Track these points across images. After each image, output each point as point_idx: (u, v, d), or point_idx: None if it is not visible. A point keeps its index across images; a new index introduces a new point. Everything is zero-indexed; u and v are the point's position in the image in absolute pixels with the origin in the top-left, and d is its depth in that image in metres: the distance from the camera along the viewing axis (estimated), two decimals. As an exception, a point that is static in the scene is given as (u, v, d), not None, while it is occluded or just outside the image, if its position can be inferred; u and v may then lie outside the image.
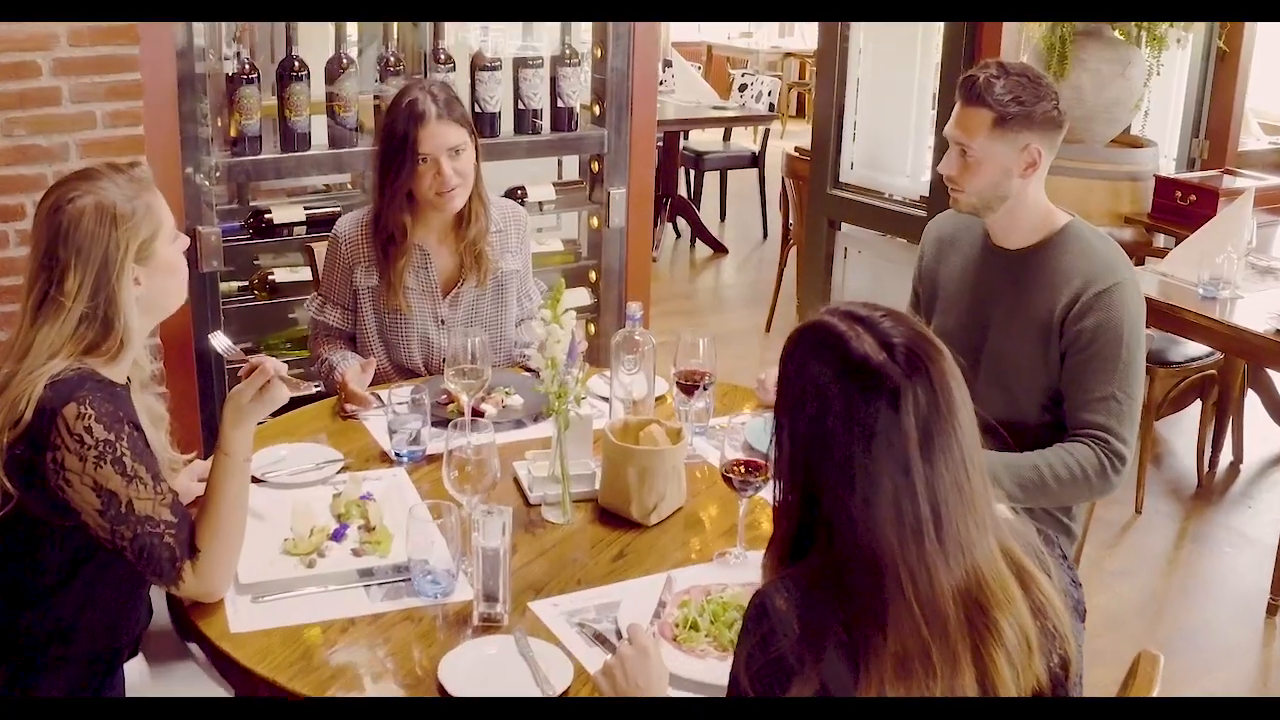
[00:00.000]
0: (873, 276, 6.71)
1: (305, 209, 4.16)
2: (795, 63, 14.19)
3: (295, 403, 2.58)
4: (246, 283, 4.17)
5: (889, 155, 6.65)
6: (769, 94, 9.83)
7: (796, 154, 7.09)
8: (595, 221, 4.73)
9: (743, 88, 10.08)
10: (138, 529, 2.14)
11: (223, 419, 2.28)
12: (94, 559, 2.23)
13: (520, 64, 4.42)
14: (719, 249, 9.17)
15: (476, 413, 3.11)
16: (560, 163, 5.62)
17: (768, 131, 9.78)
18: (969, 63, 5.68)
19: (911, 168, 6.58)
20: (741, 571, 2.44)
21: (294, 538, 2.45)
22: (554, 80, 4.49)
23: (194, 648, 2.24)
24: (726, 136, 10.25)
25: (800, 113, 14.01)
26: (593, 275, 4.77)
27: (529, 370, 3.44)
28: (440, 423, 2.96)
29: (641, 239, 4.74)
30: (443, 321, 3.44)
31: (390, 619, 2.27)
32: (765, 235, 9.60)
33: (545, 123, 4.52)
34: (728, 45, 14.47)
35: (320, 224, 4.13)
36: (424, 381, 3.13)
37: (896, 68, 6.51)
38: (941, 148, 5.94)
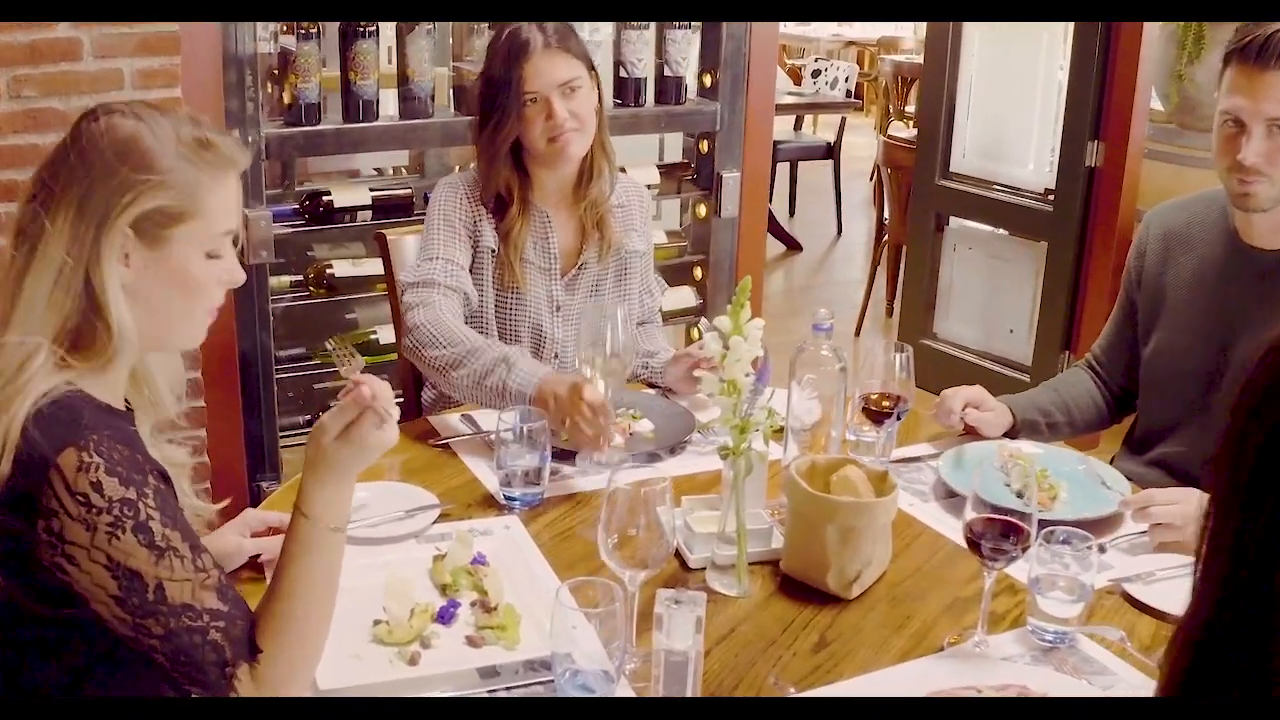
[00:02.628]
0: (985, 276, 6.02)
1: (371, 190, 3.50)
2: (853, 51, 13.49)
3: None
4: (300, 277, 3.51)
5: (1009, 143, 5.96)
6: (845, 80, 9.15)
7: (896, 142, 6.42)
8: (703, 210, 4.06)
9: (816, 74, 9.40)
10: (171, 623, 1.50)
11: (306, 466, 1.62)
12: (105, 665, 1.57)
13: (622, 25, 3.76)
14: (793, 245, 8.50)
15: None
16: (662, 141, 4.96)
17: (844, 121, 9.10)
18: (1104, 45, 5.00)
19: (1035, 158, 5.90)
20: (984, 667, 1.80)
21: (388, 621, 1.79)
22: (660, 45, 3.83)
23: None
24: (797, 126, 9.58)
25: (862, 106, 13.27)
26: (698, 273, 4.10)
27: (654, 388, 2.79)
28: (558, 454, 2.31)
29: (755, 231, 4.08)
30: (558, 308, 2.78)
31: (529, 747, 1.61)
32: (840, 232, 8.94)
33: (649, 95, 3.87)
34: (784, 34, 13.77)
35: (389, 210, 3.47)
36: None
37: (1020, 48, 5.83)
38: (1074, 135, 5.33)
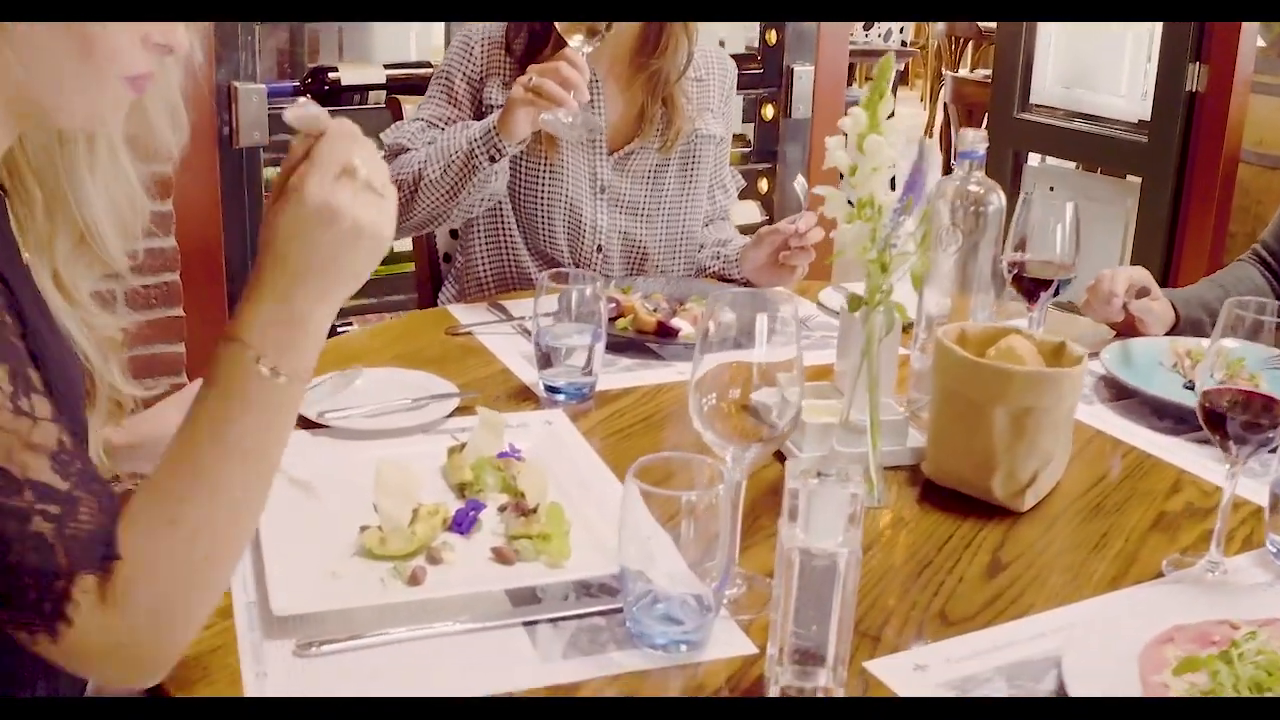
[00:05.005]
0: (1045, 246, 5.43)
1: (386, 68, 2.94)
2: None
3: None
4: (302, 169, 2.96)
5: (1098, 69, 5.38)
6: (899, 30, 8.58)
7: (967, 77, 5.84)
8: (770, 111, 3.49)
9: (867, 26, 8.83)
10: None
11: (255, 263, 1.04)
12: None
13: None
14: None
15: (666, 330, 1.90)
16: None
17: (896, 80, 8.52)
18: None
19: (1128, 84, 5.31)
20: (1229, 596, 1.28)
21: (380, 527, 1.23)
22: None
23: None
24: (849, 82, 9.00)
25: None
26: (764, 185, 3.53)
27: (729, 282, 2.25)
28: (617, 345, 1.78)
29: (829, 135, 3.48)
30: (603, 190, 2.23)
31: (584, 695, 1.05)
32: (892, 186, 8.32)
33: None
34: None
35: (407, 92, 2.91)
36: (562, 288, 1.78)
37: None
38: (1173, 57, 4.75)
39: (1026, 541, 1.40)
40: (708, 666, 1.12)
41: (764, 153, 3.56)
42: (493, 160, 1.96)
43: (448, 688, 1.06)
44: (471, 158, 1.97)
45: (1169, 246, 4.84)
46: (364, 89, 2.94)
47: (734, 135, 3.51)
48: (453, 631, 1.13)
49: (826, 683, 1.05)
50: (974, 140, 1.65)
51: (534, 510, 1.27)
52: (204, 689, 1.04)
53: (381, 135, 2.17)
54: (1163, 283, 4.67)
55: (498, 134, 1.94)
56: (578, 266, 2.22)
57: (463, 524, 1.29)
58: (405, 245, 2.97)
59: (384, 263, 2.93)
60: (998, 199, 1.69)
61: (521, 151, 2.14)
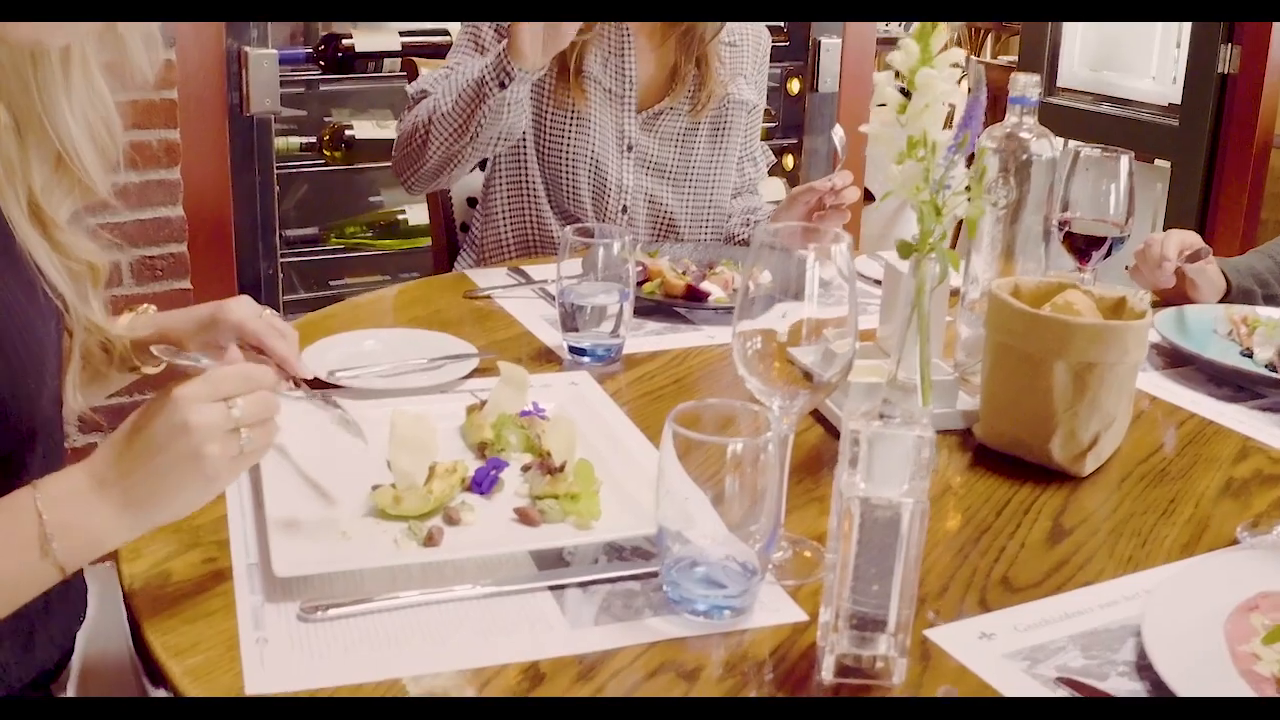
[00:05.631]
0: (1097, 204, 5.32)
1: (401, 34, 2.85)
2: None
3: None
4: (313, 139, 2.86)
5: (1127, 50, 5.27)
6: (923, 20, 8.44)
7: (991, 63, 5.73)
8: (796, 85, 3.39)
9: (889, 16, 8.70)
10: None
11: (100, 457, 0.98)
12: None
13: None
14: (866, 196, 7.78)
15: (696, 294, 1.80)
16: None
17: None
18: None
19: (1158, 66, 5.19)
20: None
21: (394, 485, 1.13)
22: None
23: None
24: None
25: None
26: (789, 161, 3.42)
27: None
28: (638, 311, 1.69)
29: (860, 111, 3.40)
30: (630, 148, 2.13)
31: (616, 667, 0.96)
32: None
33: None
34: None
35: (424, 58, 2.81)
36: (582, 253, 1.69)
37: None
38: (1204, 38, 4.63)
39: (1089, 507, 1.30)
40: (753, 634, 1.02)
41: (789, 128, 3.45)
42: (502, 86, 1.86)
43: (468, 655, 0.96)
44: (482, 85, 1.87)
45: (1199, 232, 4.72)
46: (379, 56, 2.85)
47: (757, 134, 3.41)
48: (473, 595, 1.04)
49: (887, 650, 0.94)
50: (1025, 85, 1.55)
51: (561, 468, 1.17)
52: (197, 655, 0.94)
53: (407, 86, 2.08)
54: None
55: (508, 58, 1.84)
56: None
57: (483, 483, 1.19)
58: (421, 218, 2.89)
59: (399, 237, 2.82)
60: (1051, 148, 1.59)
61: (549, 101, 2.06)
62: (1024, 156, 1.56)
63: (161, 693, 0.94)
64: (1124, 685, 0.98)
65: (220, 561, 1.07)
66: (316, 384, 1.36)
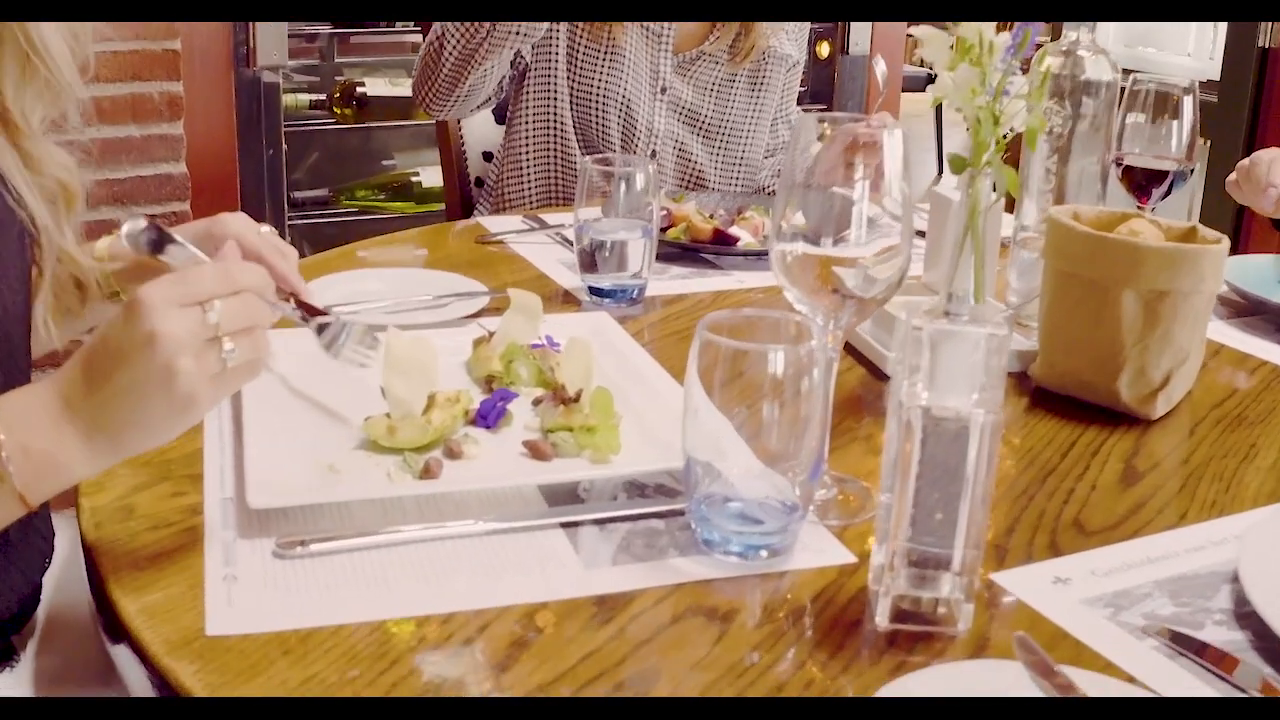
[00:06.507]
0: (1156, 141, 5.18)
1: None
2: None
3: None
4: (323, 96, 2.75)
5: (1163, 27, 5.14)
6: None
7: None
8: (825, 49, 3.25)
9: None
10: None
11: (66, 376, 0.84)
12: None
13: None
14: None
15: (724, 238, 1.67)
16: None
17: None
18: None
19: (1195, 42, 5.06)
20: None
21: (388, 415, 1.01)
22: None
23: (122, 654, 0.80)
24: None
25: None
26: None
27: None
28: (670, 253, 1.58)
29: (893, 74, 3.26)
30: (663, 90, 2.01)
31: (637, 610, 0.83)
32: (940, 173, 8.06)
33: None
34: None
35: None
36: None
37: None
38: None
39: (1162, 450, 1.17)
40: (795, 577, 0.89)
41: (818, 94, 3.32)
42: None
43: (466, 595, 0.84)
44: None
45: (1239, 211, 4.57)
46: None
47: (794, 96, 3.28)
48: (475, 532, 0.91)
49: (950, 592, 0.82)
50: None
51: (576, 397, 1.05)
52: (155, 593, 0.82)
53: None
54: (1232, 249, 4.37)
55: None
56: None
57: (488, 416, 1.07)
58: (435, 180, 2.77)
59: (412, 200, 2.68)
60: (1111, 69, 1.46)
61: (583, 34, 1.94)
62: (1081, 77, 1.43)
63: (122, 649, 0.81)
64: (1222, 634, 0.85)
65: (191, 496, 0.95)
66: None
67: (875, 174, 0.95)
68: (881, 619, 0.82)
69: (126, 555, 0.86)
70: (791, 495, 0.90)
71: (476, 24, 1.79)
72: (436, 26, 1.86)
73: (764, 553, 0.90)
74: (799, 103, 3.21)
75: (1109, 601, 0.88)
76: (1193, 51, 5.09)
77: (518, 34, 1.82)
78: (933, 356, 0.77)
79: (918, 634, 0.82)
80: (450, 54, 1.83)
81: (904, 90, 8.02)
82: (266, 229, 1.17)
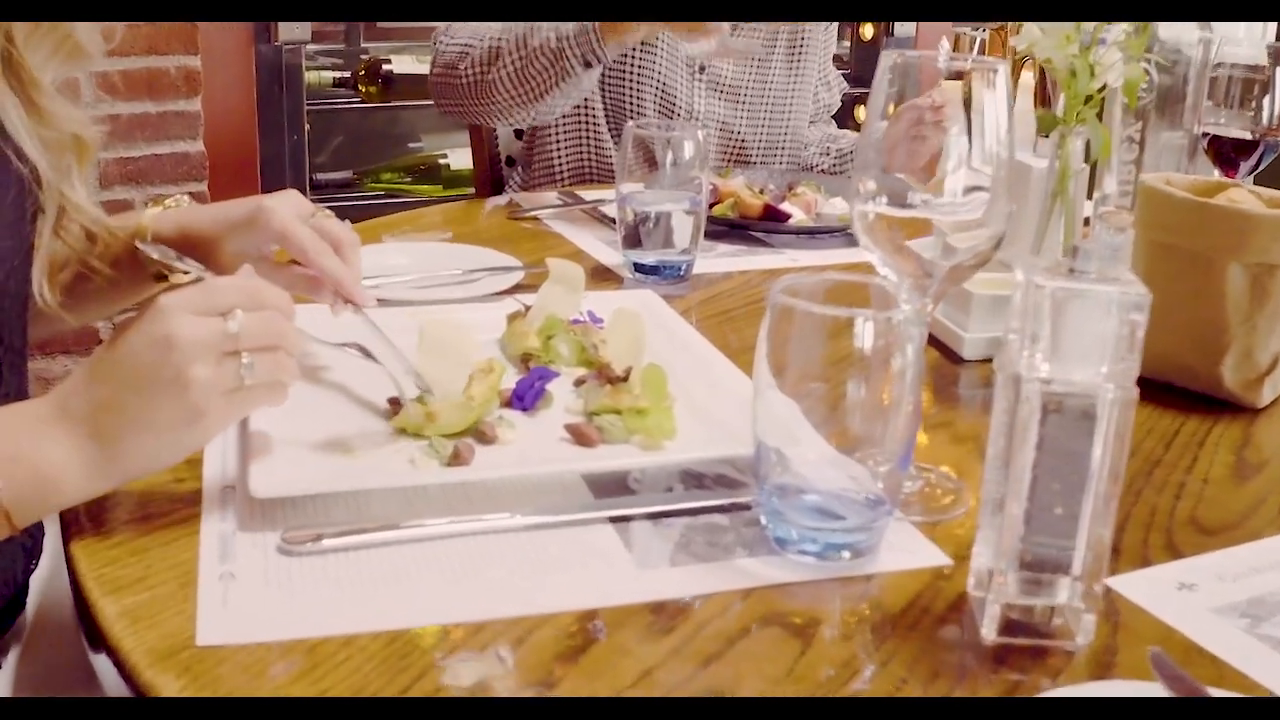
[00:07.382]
0: (1242, 116, 5.02)
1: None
2: None
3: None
4: (347, 74, 2.64)
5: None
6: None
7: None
8: (869, 30, 3.13)
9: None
10: None
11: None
12: None
13: None
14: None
15: (775, 214, 1.56)
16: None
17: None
18: None
19: (1247, 27, 4.85)
20: None
21: (421, 399, 0.89)
22: None
23: (102, 663, 0.69)
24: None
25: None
26: (861, 113, 3.16)
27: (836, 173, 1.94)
28: (719, 231, 1.46)
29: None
30: (701, 69, 1.89)
31: (703, 619, 0.71)
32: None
33: None
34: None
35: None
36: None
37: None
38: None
39: (1274, 442, 1.04)
40: (883, 580, 0.77)
41: (861, 78, 3.18)
42: (587, 65, 1.61)
43: (503, 599, 0.72)
44: (561, 58, 1.60)
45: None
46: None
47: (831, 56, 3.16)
48: (511, 526, 0.80)
49: (1070, 599, 0.70)
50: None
51: (625, 376, 0.93)
52: (140, 593, 0.71)
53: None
54: None
55: (599, 37, 1.58)
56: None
57: (525, 397, 0.95)
58: (464, 162, 2.66)
59: (440, 183, 2.56)
60: (1201, 32, 1.33)
61: None
62: (1169, 42, 1.31)
63: (102, 658, 0.70)
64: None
65: (189, 483, 0.84)
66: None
67: (970, 125, 0.84)
68: (989, 631, 0.70)
69: (110, 550, 0.75)
70: (874, 487, 0.78)
71: (530, 97, 1.64)
72: (477, 55, 1.68)
73: (846, 553, 0.78)
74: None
75: (1244, 611, 0.76)
76: (1244, 38, 4.93)
77: (569, 102, 1.71)
78: (1055, 322, 0.65)
79: (1029, 648, 0.70)
80: (495, 110, 1.67)
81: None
82: (321, 213, 1.03)
